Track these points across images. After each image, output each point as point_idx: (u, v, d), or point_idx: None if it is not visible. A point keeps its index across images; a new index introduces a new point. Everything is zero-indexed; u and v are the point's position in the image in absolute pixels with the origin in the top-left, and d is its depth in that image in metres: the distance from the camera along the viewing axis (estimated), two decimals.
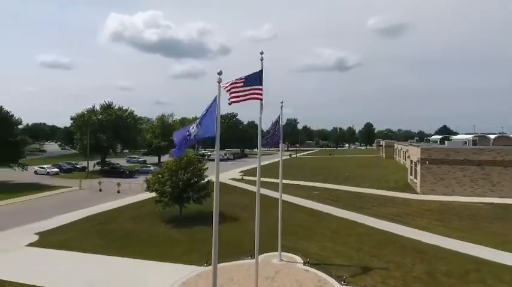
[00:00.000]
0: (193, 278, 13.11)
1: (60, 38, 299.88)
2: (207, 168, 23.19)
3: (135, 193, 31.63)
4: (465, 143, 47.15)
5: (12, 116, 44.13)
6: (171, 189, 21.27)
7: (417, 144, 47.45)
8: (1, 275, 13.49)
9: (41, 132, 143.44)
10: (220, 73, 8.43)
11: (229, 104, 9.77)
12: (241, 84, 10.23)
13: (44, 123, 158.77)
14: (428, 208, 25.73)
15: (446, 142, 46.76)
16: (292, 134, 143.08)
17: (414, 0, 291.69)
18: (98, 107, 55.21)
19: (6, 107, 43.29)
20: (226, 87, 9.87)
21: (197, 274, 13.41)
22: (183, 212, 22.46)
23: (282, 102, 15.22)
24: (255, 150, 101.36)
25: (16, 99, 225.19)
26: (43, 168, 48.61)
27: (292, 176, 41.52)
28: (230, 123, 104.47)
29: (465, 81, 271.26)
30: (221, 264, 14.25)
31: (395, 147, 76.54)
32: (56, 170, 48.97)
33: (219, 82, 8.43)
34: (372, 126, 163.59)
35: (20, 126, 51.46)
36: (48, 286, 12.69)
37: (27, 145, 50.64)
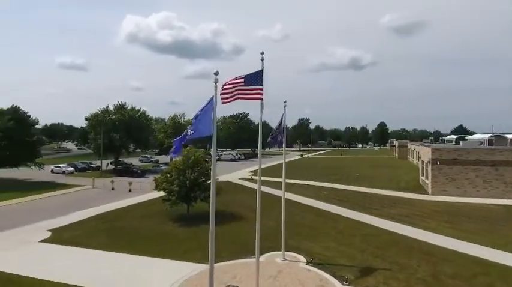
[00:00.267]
0: (196, 276, 13.30)
1: (79, 40, 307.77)
2: None
3: (145, 191, 32.18)
4: (481, 143, 46.04)
5: (29, 116, 45.66)
6: (178, 188, 21.59)
7: (428, 144, 46.60)
8: (13, 269, 14.02)
9: (59, 132, 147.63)
10: (216, 73, 8.53)
11: (223, 103, 9.83)
12: (242, 83, 10.32)
13: (62, 124, 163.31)
14: (438, 209, 25.24)
15: (461, 142, 45.79)
16: (304, 134, 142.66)
17: None
18: (111, 108, 56.49)
19: (27, 108, 44.97)
20: (227, 86, 9.98)
21: (201, 272, 13.59)
22: (190, 211, 22.75)
23: (285, 102, 15.21)
24: (267, 150, 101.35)
25: (36, 101, 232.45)
26: (59, 167, 50.05)
27: (302, 176, 41.39)
28: (241, 123, 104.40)
29: (483, 80, 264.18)
30: (227, 262, 14.56)
31: (409, 147, 75.16)
32: (71, 169, 50.37)
33: (215, 82, 8.53)
34: (386, 126, 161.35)
35: (37, 127, 53.11)
36: (55, 280, 13.10)
37: (43, 144, 52.07)
